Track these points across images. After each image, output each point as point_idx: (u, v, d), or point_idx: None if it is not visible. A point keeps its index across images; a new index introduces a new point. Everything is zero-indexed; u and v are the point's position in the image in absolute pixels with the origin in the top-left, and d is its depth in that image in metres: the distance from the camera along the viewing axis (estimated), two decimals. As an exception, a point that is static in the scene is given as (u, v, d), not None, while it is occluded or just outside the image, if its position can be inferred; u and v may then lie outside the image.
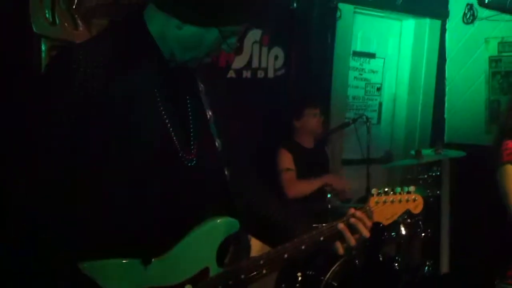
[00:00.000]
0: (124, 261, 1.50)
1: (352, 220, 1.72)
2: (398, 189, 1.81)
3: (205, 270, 1.58)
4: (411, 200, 1.81)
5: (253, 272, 1.64)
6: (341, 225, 1.72)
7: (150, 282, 1.51)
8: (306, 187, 3.98)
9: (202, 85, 1.68)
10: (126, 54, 1.50)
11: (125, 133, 1.45)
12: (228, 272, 1.62)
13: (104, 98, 1.42)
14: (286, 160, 4.11)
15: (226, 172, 1.66)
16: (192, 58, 1.57)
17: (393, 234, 3.81)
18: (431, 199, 4.27)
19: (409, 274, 4.00)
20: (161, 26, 1.52)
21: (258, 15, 1.58)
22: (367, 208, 1.77)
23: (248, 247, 1.73)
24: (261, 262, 1.65)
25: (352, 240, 1.71)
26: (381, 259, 3.90)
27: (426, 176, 4.19)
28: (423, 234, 3.97)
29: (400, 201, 1.80)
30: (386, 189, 1.80)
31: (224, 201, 1.66)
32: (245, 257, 1.67)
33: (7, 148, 1.49)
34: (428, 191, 4.21)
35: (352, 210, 1.75)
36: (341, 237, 1.72)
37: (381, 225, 1.84)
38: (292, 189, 3.99)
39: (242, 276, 1.62)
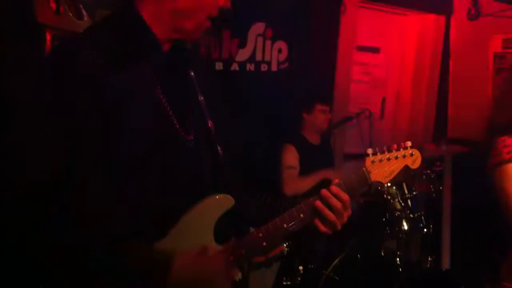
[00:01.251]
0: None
1: (324, 193, 1.67)
2: (395, 147, 1.77)
3: (205, 248, 1.55)
4: (408, 155, 1.76)
5: (253, 246, 1.64)
6: (316, 201, 1.68)
7: None
8: (304, 184, 3.97)
9: (192, 72, 1.71)
10: (123, 46, 1.52)
11: (127, 118, 1.47)
12: (227, 249, 1.61)
13: (106, 87, 1.44)
14: (291, 157, 4.10)
15: (219, 151, 1.69)
16: (196, 25, 1.58)
17: (394, 228, 3.81)
18: (434, 195, 4.26)
19: (410, 269, 4.00)
20: (154, 5, 1.54)
21: None
22: (363, 169, 1.73)
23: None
24: (260, 235, 1.65)
25: (330, 215, 1.66)
26: (382, 254, 3.91)
27: (428, 171, 4.18)
28: (424, 230, 3.97)
29: (396, 157, 1.75)
30: (381, 148, 1.75)
31: (220, 180, 1.68)
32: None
33: (12, 140, 1.48)
34: (431, 186, 4.20)
35: (333, 184, 1.70)
36: (319, 213, 1.68)
37: (376, 186, 1.79)
38: (290, 187, 3.99)
39: (243, 251, 1.63)
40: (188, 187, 1.61)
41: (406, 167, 1.77)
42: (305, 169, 4.10)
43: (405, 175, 4.10)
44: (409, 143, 1.77)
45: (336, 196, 1.67)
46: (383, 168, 1.74)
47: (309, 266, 3.65)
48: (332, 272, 3.58)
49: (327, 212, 1.67)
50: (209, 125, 1.69)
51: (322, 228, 1.69)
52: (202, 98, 1.69)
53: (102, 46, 1.48)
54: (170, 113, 1.58)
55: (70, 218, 1.45)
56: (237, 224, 1.71)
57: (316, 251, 3.78)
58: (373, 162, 1.73)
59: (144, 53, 1.55)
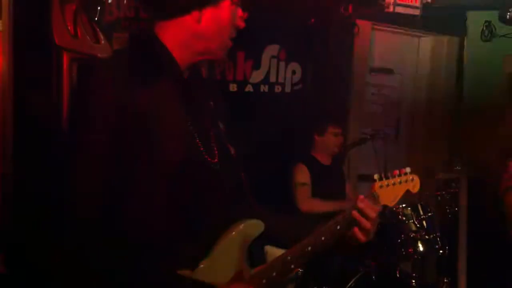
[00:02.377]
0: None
1: (360, 205, 1.76)
2: (396, 172, 1.91)
3: (240, 273, 1.66)
4: (409, 180, 1.90)
5: (283, 269, 1.70)
6: (353, 212, 1.76)
7: None
8: (320, 206, 3.98)
9: (212, 100, 1.77)
10: (147, 71, 1.55)
11: (155, 144, 1.51)
12: (260, 272, 1.69)
13: (133, 111, 1.47)
14: (303, 175, 4.12)
15: (243, 177, 1.76)
16: (220, 46, 1.64)
17: (410, 250, 3.78)
18: (449, 216, 4.23)
19: (426, 291, 3.96)
20: (177, 33, 1.58)
21: None
22: (374, 193, 1.83)
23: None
24: (288, 258, 1.71)
25: (367, 223, 1.75)
26: (398, 275, 3.87)
27: (444, 192, 4.16)
28: (440, 251, 3.93)
29: (400, 182, 1.88)
30: (386, 174, 1.89)
31: (243, 203, 1.76)
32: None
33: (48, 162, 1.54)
34: (446, 207, 4.17)
35: (360, 197, 1.80)
36: (355, 223, 1.76)
37: (390, 208, 1.90)
38: (305, 204, 4.00)
39: (274, 274, 1.69)
40: (216, 209, 1.65)
41: (408, 191, 1.91)
42: (316, 189, 4.10)
43: (420, 196, 4.10)
44: (408, 169, 1.91)
45: (369, 207, 1.77)
46: (390, 192, 1.87)
47: (324, 287, 3.63)
48: (347, 293, 3.56)
49: (364, 220, 1.75)
50: (231, 151, 1.75)
51: (360, 236, 1.77)
52: (222, 124, 1.75)
53: (131, 68, 1.52)
54: (196, 135, 1.61)
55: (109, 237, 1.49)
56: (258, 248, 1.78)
57: (331, 273, 3.76)
58: (381, 187, 1.85)
59: (169, 79, 1.59)
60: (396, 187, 1.87)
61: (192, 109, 1.64)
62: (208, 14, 1.57)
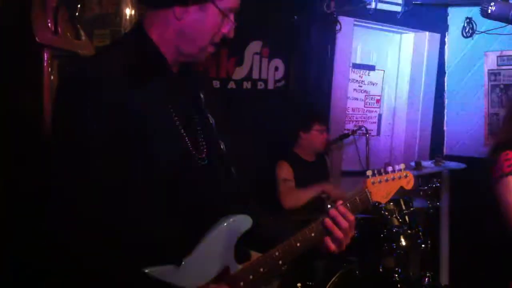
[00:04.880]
0: (162, 267, 1.55)
1: (332, 213, 1.75)
2: (390, 168, 1.90)
3: (226, 269, 1.65)
4: (403, 176, 1.91)
5: (271, 265, 1.70)
6: (326, 219, 1.75)
7: (183, 283, 1.57)
8: (302, 195, 3.99)
9: (202, 94, 1.76)
10: (135, 67, 1.56)
11: (144, 140, 1.52)
12: (247, 268, 1.68)
13: (123, 110, 1.48)
14: (285, 171, 4.12)
15: (233, 171, 1.76)
16: (200, 49, 1.64)
17: (393, 245, 3.81)
18: (431, 211, 4.27)
19: (409, 285, 3.99)
20: (161, 27, 1.60)
21: None
22: (365, 190, 1.83)
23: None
24: (276, 253, 1.71)
25: (339, 233, 1.74)
26: (380, 270, 3.90)
27: (426, 187, 4.19)
28: (422, 245, 3.97)
29: (393, 179, 1.89)
30: (379, 170, 1.88)
31: (234, 197, 1.76)
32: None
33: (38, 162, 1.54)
34: (428, 202, 4.21)
35: (338, 203, 1.80)
36: (328, 232, 1.75)
37: (380, 204, 1.90)
38: (288, 199, 4.00)
39: (261, 270, 1.69)
40: (204, 204, 1.66)
41: (401, 188, 1.92)
42: (300, 186, 4.11)
43: (402, 192, 4.11)
44: (403, 166, 1.91)
45: (343, 215, 1.76)
46: (382, 189, 1.87)
47: (308, 283, 3.64)
48: (331, 289, 3.57)
49: (336, 230, 1.74)
50: (220, 145, 1.75)
51: (332, 246, 1.76)
52: (212, 119, 1.75)
53: (117, 67, 1.52)
54: (183, 132, 1.63)
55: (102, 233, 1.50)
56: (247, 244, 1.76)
57: (315, 268, 3.77)
58: (373, 183, 1.85)
59: (156, 74, 1.60)
60: (389, 184, 1.87)
61: (179, 104, 1.65)
62: (190, 13, 1.57)
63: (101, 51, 1.69)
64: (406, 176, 1.91)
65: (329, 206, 3.75)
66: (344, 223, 1.75)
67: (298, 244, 1.73)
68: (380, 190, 1.86)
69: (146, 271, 1.49)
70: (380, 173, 1.87)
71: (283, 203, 4.00)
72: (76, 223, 1.46)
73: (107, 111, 1.46)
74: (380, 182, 1.85)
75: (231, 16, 1.65)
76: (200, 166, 1.65)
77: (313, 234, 1.75)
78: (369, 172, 1.85)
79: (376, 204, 1.90)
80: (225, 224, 1.66)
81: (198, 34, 1.61)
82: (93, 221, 1.48)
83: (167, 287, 1.52)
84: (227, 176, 1.75)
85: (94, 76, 1.48)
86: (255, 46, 4.40)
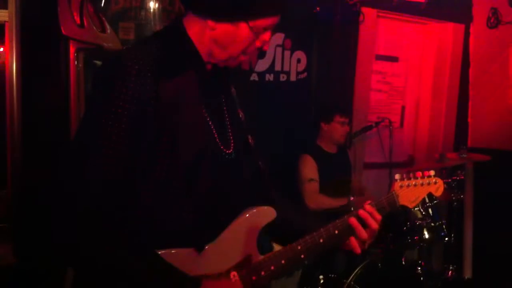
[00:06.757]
0: (182, 250, 1.59)
1: (361, 213, 1.77)
2: (419, 173, 1.89)
3: (249, 257, 1.68)
4: (432, 183, 1.89)
5: (293, 258, 1.72)
6: (351, 219, 1.76)
7: (203, 269, 1.61)
8: (326, 202, 4.01)
9: (233, 87, 1.82)
10: (171, 60, 1.59)
11: (174, 133, 1.54)
12: (269, 258, 1.71)
13: (155, 101, 1.51)
14: (310, 169, 4.13)
15: (260, 165, 1.79)
16: (229, 57, 1.66)
17: (416, 237, 3.79)
18: (455, 203, 4.24)
19: (432, 278, 3.97)
20: (198, 30, 1.63)
21: (284, 9, 1.64)
22: (393, 192, 1.83)
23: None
24: (299, 247, 1.73)
25: (362, 234, 1.75)
26: (403, 263, 3.89)
27: (450, 180, 4.15)
28: (446, 238, 3.94)
29: (422, 184, 1.87)
30: (408, 174, 1.88)
31: (260, 191, 1.79)
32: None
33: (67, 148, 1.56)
34: (452, 195, 4.18)
35: (366, 204, 1.80)
36: (353, 231, 1.76)
37: (406, 209, 1.89)
38: (312, 202, 4.03)
39: (283, 262, 1.71)
40: (229, 196, 1.68)
41: (430, 194, 1.91)
42: (323, 178, 4.11)
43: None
44: (432, 172, 1.90)
45: (371, 215, 1.78)
46: (410, 193, 1.86)
47: (330, 275, 3.65)
48: (353, 281, 3.57)
49: (361, 229, 1.76)
50: (249, 140, 1.79)
51: (356, 245, 1.78)
52: (242, 113, 1.79)
53: (154, 58, 1.54)
54: (212, 126, 1.66)
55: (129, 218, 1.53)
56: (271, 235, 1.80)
57: (337, 260, 3.78)
58: (401, 187, 1.85)
59: (190, 67, 1.63)
60: (418, 189, 1.87)
61: (211, 98, 1.69)
62: (222, 27, 1.60)
63: (139, 41, 1.77)
64: (435, 183, 1.90)
65: (351, 198, 3.76)
66: (372, 223, 1.76)
67: (321, 240, 1.74)
68: (408, 194, 1.85)
69: (162, 252, 1.53)
70: (409, 177, 1.86)
71: (307, 203, 4.03)
72: (103, 206, 1.47)
73: (139, 99, 1.48)
74: (408, 186, 1.85)
75: (267, 34, 1.65)
76: (227, 160, 1.68)
77: (337, 232, 1.76)
78: (397, 176, 1.85)
79: (403, 207, 1.88)
80: (249, 215, 1.70)
81: (230, 45, 1.63)
82: (119, 208, 1.50)
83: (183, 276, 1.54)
84: (254, 170, 1.77)
85: (130, 64, 1.50)
86: (277, 38, 4.39)
